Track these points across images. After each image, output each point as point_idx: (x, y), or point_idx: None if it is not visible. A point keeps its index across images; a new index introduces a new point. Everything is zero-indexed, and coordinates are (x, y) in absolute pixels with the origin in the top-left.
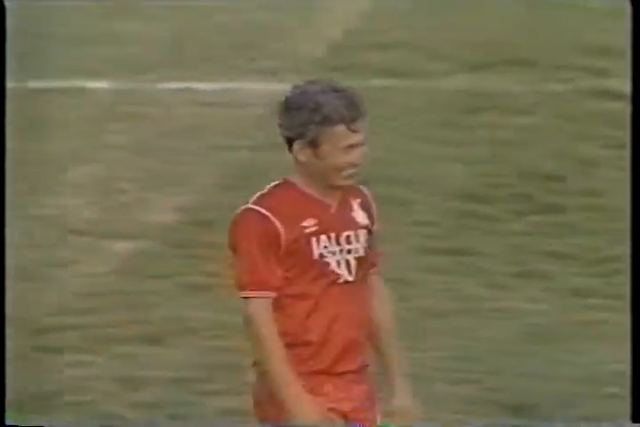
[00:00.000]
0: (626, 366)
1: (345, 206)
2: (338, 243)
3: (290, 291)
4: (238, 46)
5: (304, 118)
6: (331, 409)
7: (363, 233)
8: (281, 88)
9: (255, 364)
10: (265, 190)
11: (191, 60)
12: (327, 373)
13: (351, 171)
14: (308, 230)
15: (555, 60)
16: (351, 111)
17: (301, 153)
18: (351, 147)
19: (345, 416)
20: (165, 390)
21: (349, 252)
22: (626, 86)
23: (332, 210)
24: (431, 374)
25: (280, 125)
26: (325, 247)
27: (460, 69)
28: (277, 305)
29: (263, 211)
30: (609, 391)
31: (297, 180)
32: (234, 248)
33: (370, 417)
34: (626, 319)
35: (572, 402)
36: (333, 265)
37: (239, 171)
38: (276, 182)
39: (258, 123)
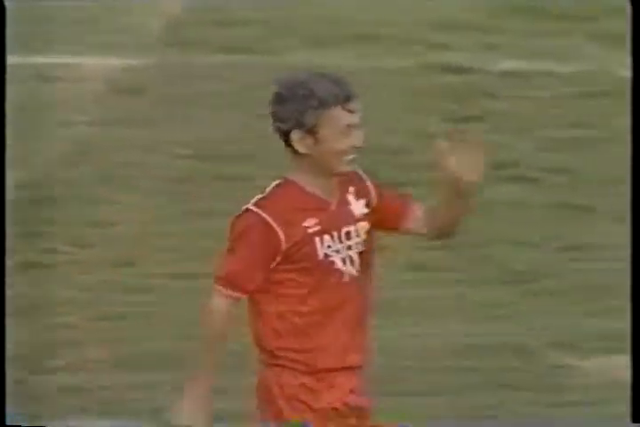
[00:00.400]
0: (468, 339)
1: (343, 201)
2: (340, 240)
3: (296, 292)
4: (78, 21)
5: (300, 106)
6: (345, 404)
7: (361, 226)
8: (120, 63)
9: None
10: (266, 191)
11: (32, 35)
12: (336, 369)
13: (352, 155)
14: (310, 231)
15: (398, 36)
16: (344, 92)
17: (301, 143)
18: (350, 127)
19: (358, 408)
20: (7, 367)
21: (350, 248)
22: (467, 60)
23: (333, 207)
24: None
25: (275, 120)
26: (329, 247)
27: (303, 45)
28: (284, 306)
29: (262, 214)
30: (443, 365)
31: (297, 177)
32: (229, 244)
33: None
34: (466, 292)
35: (403, 376)
36: (339, 264)
37: (78, 146)
38: (277, 182)
39: (96, 98)
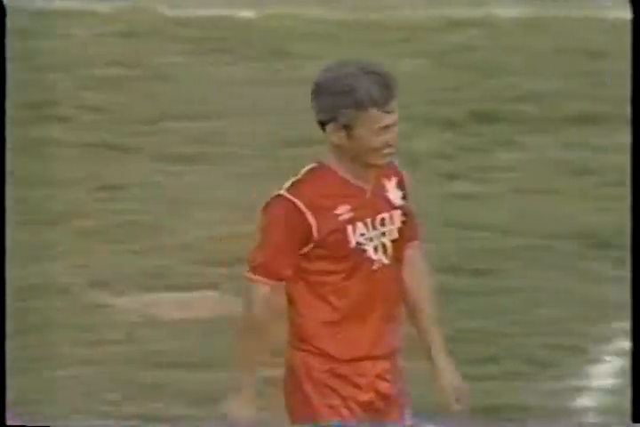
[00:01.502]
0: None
1: (380, 188)
2: (374, 227)
3: (328, 279)
4: None
5: (336, 102)
6: (374, 391)
7: (397, 214)
8: None
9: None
10: (299, 175)
11: None
12: (366, 358)
13: (387, 150)
14: (342, 218)
15: None
16: (384, 93)
17: (335, 136)
18: (386, 128)
19: (385, 397)
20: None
21: (384, 234)
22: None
23: (368, 194)
24: None
25: (313, 108)
26: (362, 235)
27: None
28: (315, 295)
29: (294, 200)
30: None
31: (332, 162)
32: (260, 232)
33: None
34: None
35: None
36: (370, 251)
37: None
38: (311, 166)
39: None
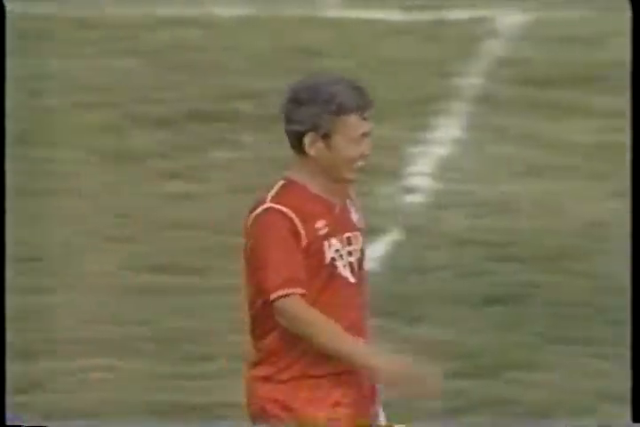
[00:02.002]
0: None
1: (345, 207)
2: (343, 245)
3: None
4: None
5: (318, 109)
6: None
7: (359, 235)
8: None
9: (255, 365)
10: (275, 190)
11: None
12: (333, 374)
13: (361, 163)
14: (320, 232)
15: None
16: (363, 99)
17: (313, 146)
18: (363, 136)
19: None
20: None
21: (350, 254)
22: None
23: (337, 210)
24: None
25: (288, 120)
26: (337, 251)
27: None
28: None
29: (285, 209)
30: None
31: (300, 178)
32: (256, 248)
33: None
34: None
35: None
36: (341, 268)
37: None
38: (282, 183)
39: None
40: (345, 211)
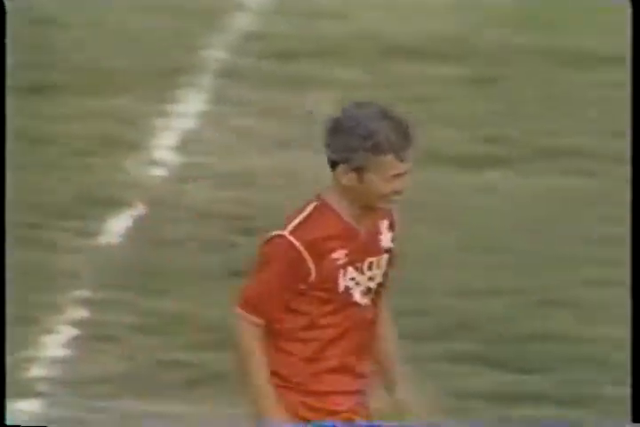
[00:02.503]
0: None
1: (374, 230)
2: (362, 272)
3: (309, 318)
4: None
5: (354, 144)
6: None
7: (384, 258)
8: None
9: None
10: (301, 216)
11: None
12: (337, 393)
13: (395, 197)
14: (337, 263)
15: None
16: (402, 140)
17: (345, 177)
18: (398, 175)
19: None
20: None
21: (371, 279)
22: None
23: (361, 236)
24: None
25: (327, 146)
26: (352, 279)
27: None
28: (295, 329)
29: (296, 243)
30: None
31: (334, 200)
32: (256, 267)
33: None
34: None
35: None
36: (357, 296)
37: None
38: (314, 204)
39: None
40: (373, 234)
